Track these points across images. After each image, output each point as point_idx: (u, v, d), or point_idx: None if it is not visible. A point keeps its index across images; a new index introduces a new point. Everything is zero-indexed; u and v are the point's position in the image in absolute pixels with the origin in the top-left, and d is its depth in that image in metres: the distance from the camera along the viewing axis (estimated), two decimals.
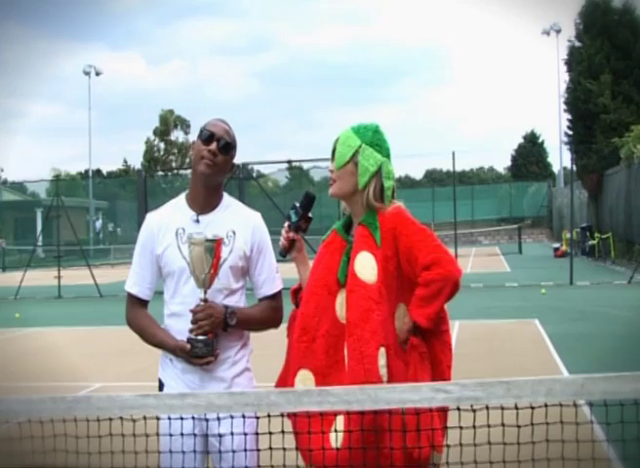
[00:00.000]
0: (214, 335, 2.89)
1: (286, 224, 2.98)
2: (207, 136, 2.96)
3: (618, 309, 13.59)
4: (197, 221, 2.99)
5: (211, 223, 2.98)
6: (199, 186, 3.02)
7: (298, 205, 3.01)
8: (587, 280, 18.89)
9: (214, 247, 2.81)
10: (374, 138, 2.89)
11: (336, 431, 2.60)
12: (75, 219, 27.94)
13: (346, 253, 2.86)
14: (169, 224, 3.01)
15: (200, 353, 2.86)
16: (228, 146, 2.99)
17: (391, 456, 2.55)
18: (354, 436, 2.54)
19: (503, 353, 9.72)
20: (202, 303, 2.87)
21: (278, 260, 3.17)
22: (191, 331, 2.87)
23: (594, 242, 27.07)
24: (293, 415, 2.46)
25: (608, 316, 12.80)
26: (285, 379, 2.91)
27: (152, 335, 3.01)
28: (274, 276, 3.09)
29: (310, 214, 3.03)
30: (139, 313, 3.08)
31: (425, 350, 2.79)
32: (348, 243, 2.89)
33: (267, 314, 3.07)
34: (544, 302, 15.02)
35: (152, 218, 3.08)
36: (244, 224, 3.02)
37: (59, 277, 21.30)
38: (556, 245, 31.17)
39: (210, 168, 2.94)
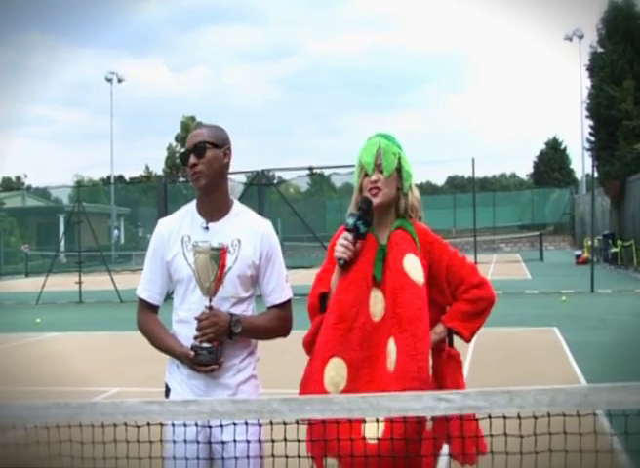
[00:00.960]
0: (219, 343, 2.89)
1: (349, 235, 2.88)
2: (183, 156, 3.00)
3: (638, 318, 13.45)
4: (206, 229, 3.00)
5: (219, 231, 2.99)
6: (202, 196, 3.05)
7: (361, 213, 2.91)
8: (609, 288, 18.73)
9: (219, 255, 2.82)
10: (401, 145, 3.05)
11: (365, 438, 2.59)
12: (97, 225, 28.17)
13: (380, 253, 2.92)
14: (179, 231, 3.04)
15: (204, 360, 2.86)
16: (201, 147, 2.97)
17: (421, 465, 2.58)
18: (386, 444, 2.55)
19: (521, 361, 9.65)
20: (207, 311, 2.88)
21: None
22: (196, 338, 2.88)
23: (616, 249, 26.85)
24: (321, 423, 2.43)
25: (628, 324, 12.67)
26: (309, 378, 2.88)
27: (160, 341, 3.03)
28: (283, 285, 3.08)
29: None
30: (148, 318, 3.11)
31: (461, 360, 2.96)
32: (379, 244, 2.94)
33: (275, 323, 3.05)
34: (564, 310, 14.91)
35: (163, 225, 3.11)
36: (253, 232, 3.02)
37: (79, 282, 21.46)
38: (578, 252, 30.94)
39: (200, 179, 2.97)
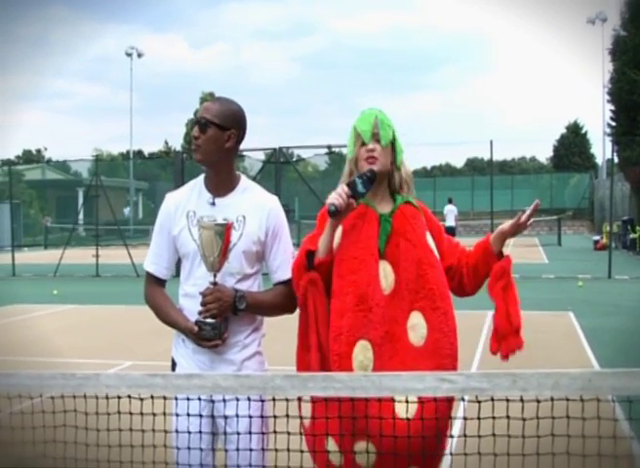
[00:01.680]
0: (222, 319, 2.89)
1: (346, 188, 2.78)
2: (191, 125, 2.99)
3: None
4: (213, 204, 3.00)
5: (226, 207, 2.98)
6: (207, 170, 3.05)
7: (367, 178, 2.83)
8: (626, 274, 18.61)
9: (223, 231, 2.82)
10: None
11: (394, 418, 2.59)
12: (115, 200, 28.30)
13: (384, 224, 2.89)
14: (186, 206, 3.04)
15: (207, 336, 2.87)
16: (204, 123, 2.95)
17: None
18: (416, 424, 2.57)
19: (535, 345, 9.60)
20: (211, 286, 2.88)
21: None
22: (200, 313, 2.88)
23: (635, 235, 26.64)
24: (349, 400, 2.44)
25: None
26: (305, 356, 2.83)
27: (166, 314, 3.04)
28: (289, 261, 3.05)
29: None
30: (155, 291, 3.12)
31: None
32: (380, 215, 2.90)
33: (280, 299, 3.04)
34: (580, 295, 14.84)
35: (171, 199, 3.11)
36: (259, 208, 3.01)
37: (97, 256, 21.59)
38: (596, 237, 30.73)
39: (196, 152, 2.97)
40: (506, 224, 3.00)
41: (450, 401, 2.64)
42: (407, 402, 2.56)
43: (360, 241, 2.84)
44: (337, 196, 2.76)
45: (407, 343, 2.78)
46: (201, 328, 2.87)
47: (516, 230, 2.98)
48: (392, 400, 2.60)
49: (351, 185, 2.79)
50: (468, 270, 3.01)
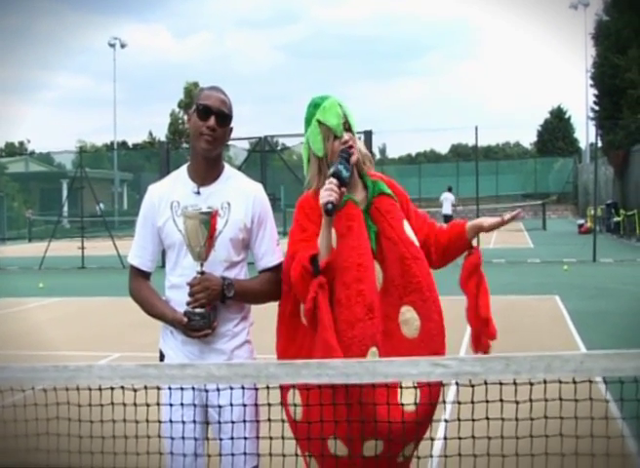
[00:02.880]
0: (211, 308, 2.88)
1: (334, 180, 2.73)
2: (203, 112, 2.92)
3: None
4: (198, 193, 2.98)
5: (211, 195, 2.97)
6: (199, 160, 3.01)
7: (340, 160, 2.81)
8: (611, 257, 18.74)
9: (208, 219, 2.80)
10: None
11: (402, 404, 2.63)
12: (100, 191, 28.14)
13: (371, 229, 2.87)
14: (170, 196, 3.01)
15: (197, 326, 2.85)
16: (226, 118, 2.96)
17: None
18: (422, 409, 2.63)
19: (522, 329, 9.67)
20: (199, 276, 2.86)
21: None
22: (188, 303, 2.87)
23: (619, 219, 26.81)
24: (358, 387, 2.43)
25: (630, 293, 12.69)
26: (300, 346, 2.82)
27: (152, 306, 3.02)
28: (274, 248, 3.07)
29: None
30: (140, 284, 3.09)
31: None
32: (364, 213, 2.88)
33: (267, 287, 3.03)
34: (566, 279, 14.92)
35: (154, 190, 3.08)
36: (244, 196, 3.00)
37: (82, 248, 21.49)
38: (580, 221, 30.89)
39: (210, 144, 2.93)
40: (487, 221, 3.00)
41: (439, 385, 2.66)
42: (414, 387, 2.63)
43: (360, 246, 2.81)
44: (330, 192, 2.69)
45: (401, 337, 2.80)
46: (190, 318, 2.85)
47: (494, 229, 3.01)
48: (399, 386, 2.63)
49: (336, 174, 2.75)
50: (437, 249, 3.03)
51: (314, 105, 2.95)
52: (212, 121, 2.91)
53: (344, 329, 2.71)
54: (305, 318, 2.78)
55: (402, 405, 2.61)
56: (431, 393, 2.60)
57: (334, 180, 2.73)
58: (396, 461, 2.75)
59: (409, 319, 2.81)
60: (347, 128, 2.90)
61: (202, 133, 2.92)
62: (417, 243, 2.90)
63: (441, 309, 2.89)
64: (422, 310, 2.82)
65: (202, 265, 2.86)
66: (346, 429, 2.61)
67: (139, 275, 3.10)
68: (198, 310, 2.85)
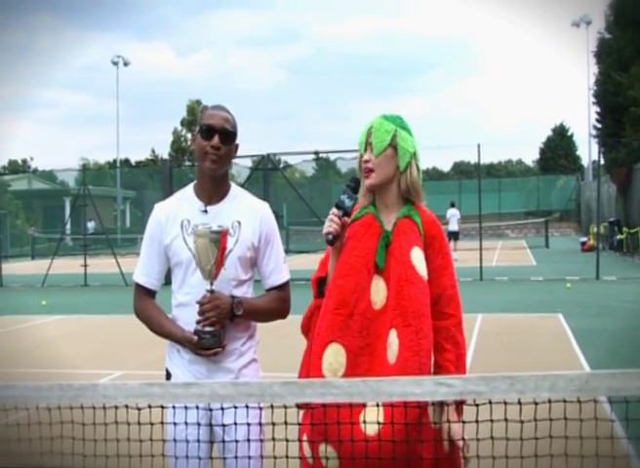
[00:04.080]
0: (221, 326, 2.88)
1: (335, 210, 2.80)
2: (207, 132, 2.94)
3: None
4: (205, 212, 2.99)
5: (219, 214, 2.98)
6: (206, 179, 3.02)
7: (350, 190, 2.86)
8: (614, 275, 18.71)
9: (219, 238, 2.81)
10: (403, 123, 2.92)
11: (365, 422, 2.57)
12: (103, 209, 28.18)
13: (384, 240, 2.83)
14: (177, 215, 3.01)
15: (207, 344, 2.85)
16: (230, 135, 2.97)
17: (421, 449, 2.55)
18: (386, 428, 2.53)
19: (525, 347, 9.66)
20: (208, 294, 2.87)
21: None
22: (198, 322, 2.87)
23: (622, 236, 26.78)
24: (321, 406, 2.41)
25: (633, 311, 12.67)
26: (308, 363, 2.82)
27: (159, 326, 3.02)
28: (282, 266, 3.08)
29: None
30: (146, 303, 3.09)
31: None
32: (384, 231, 2.85)
33: (275, 304, 3.05)
34: (569, 297, 14.90)
35: (160, 209, 3.09)
36: (252, 215, 3.02)
37: (85, 265, 21.51)
38: (583, 239, 30.87)
39: (215, 163, 2.95)
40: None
41: (421, 407, 2.56)
42: (377, 406, 2.55)
43: (357, 249, 2.82)
44: (329, 223, 2.76)
45: (384, 360, 2.73)
46: (200, 336, 2.86)
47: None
48: (363, 405, 2.58)
49: (340, 204, 2.81)
50: None
51: None
52: (215, 140, 2.93)
53: (318, 320, 2.79)
54: (302, 331, 2.87)
55: (364, 423, 2.56)
56: (394, 413, 2.48)
57: (335, 211, 2.79)
58: None
59: (391, 342, 2.73)
60: (371, 149, 2.86)
61: (207, 152, 2.94)
62: (420, 270, 2.78)
63: (427, 342, 2.71)
64: (402, 336, 2.70)
65: (212, 284, 2.87)
66: (310, 431, 2.63)
67: (144, 294, 3.10)
68: (208, 329, 2.86)
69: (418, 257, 2.79)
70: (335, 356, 2.73)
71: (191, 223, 2.94)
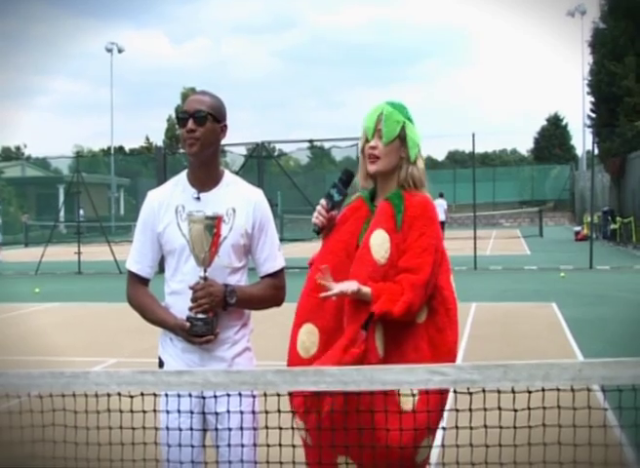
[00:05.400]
0: (214, 314, 2.87)
1: (324, 202, 2.89)
2: (181, 119, 2.93)
3: (636, 294, 13.47)
4: (198, 199, 2.96)
5: (212, 201, 2.96)
6: (194, 165, 3.00)
7: (339, 183, 2.93)
8: (607, 264, 18.75)
9: (214, 225, 2.79)
10: (409, 115, 2.96)
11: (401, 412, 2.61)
12: (96, 196, 28.12)
13: (367, 222, 2.88)
14: (170, 202, 2.99)
15: (200, 332, 2.84)
16: (203, 116, 2.91)
17: (387, 438, 2.56)
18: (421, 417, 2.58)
19: (519, 336, 9.68)
20: (202, 281, 2.85)
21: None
22: (191, 309, 2.85)
23: (616, 226, 26.84)
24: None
25: (626, 300, 12.70)
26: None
27: (152, 313, 3.00)
28: (276, 254, 3.06)
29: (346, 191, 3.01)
30: (139, 291, 3.06)
31: None
32: (372, 213, 2.90)
33: (269, 292, 3.03)
34: (563, 286, 14.93)
35: (153, 196, 3.07)
36: (245, 202, 2.99)
37: (78, 253, 21.45)
38: (577, 228, 30.93)
39: (194, 146, 2.91)
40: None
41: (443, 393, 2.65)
42: (412, 395, 2.60)
43: (339, 233, 2.90)
44: (316, 215, 2.88)
45: None
46: (193, 324, 2.84)
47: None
48: (398, 393, 2.60)
49: (328, 197, 2.87)
50: None
51: (372, 106, 2.98)
52: (189, 123, 2.90)
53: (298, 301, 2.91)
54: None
55: (400, 412, 2.59)
56: (429, 400, 2.56)
57: (324, 203, 2.89)
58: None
59: None
60: (380, 136, 2.87)
61: (185, 138, 2.93)
62: (374, 249, 2.76)
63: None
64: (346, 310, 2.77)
65: (205, 271, 2.85)
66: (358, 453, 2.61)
67: (137, 282, 3.08)
68: (201, 316, 2.84)
69: (377, 239, 2.78)
70: (307, 335, 2.82)
71: (186, 209, 2.92)
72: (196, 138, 2.90)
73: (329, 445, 2.62)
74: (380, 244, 2.78)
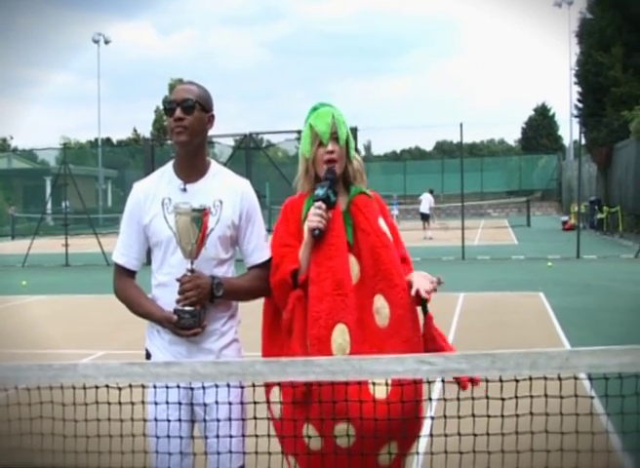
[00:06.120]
0: (201, 307, 2.86)
1: (321, 204, 2.86)
2: (167, 107, 2.92)
3: (623, 283, 13.56)
4: (184, 190, 2.95)
5: (198, 192, 2.94)
6: (182, 156, 2.98)
7: (329, 183, 2.91)
8: (594, 253, 18.84)
9: (201, 217, 2.77)
10: (341, 113, 3.05)
11: (375, 401, 2.61)
12: (84, 188, 27.97)
13: (347, 218, 2.94)
14: (156, 193, 2.98)
15: (187, 324, 2.82)
16: (191, 105, 2.90)
17: (361, 427, 2.59)
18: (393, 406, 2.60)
19: (507, 325, 9.72)
20: (189, 274, 2.84)
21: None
22: (178, 301, 2.84)
23: (603, 215, 26.97)
24: (330, 385, 2.43)
25: (613, 290, 12.77)
26: (281, 346, 2.88)
27: (139, 306, 2.98)
28: (263, 244, 3.05)
29: None
30: (126, 283, 3.05)
31: None
32: (343, 213, 2.95)
33: (256, 283, 3.01)
34: (550, 275, 15.00)
35: (139, 187, 3.05)
36: (232, 192, 2.98)
37: (66, 245, 21.38)
38: (564, 218, 31.06)
39: (182, 134, 2.90)
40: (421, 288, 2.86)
41: (418, 383, 2.68)
42: (387, 385, 2.61)
43: (334, 229, 2.90)
44: (319, 218, 2.84)
45: (374, 328, 2.84)
46: (180, 316, 2.82)
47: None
48: (370, 383, 2.63)
49: (326, 199, 2.87)
50: None
51: (313, 109, 3.04)
52: (177, 112, 2.89)
53: (313, 304, 2.82)
54: (283, 326, 2.90)
55: (374, 401, 2.60)
56: (403, 391, 2.55)
57: (323, 206, 2.86)
58: (375, 460, 2.73)
59: (379, 307, 2.86)
60: (335, 138, 2.94)
61: (172, 128, 2.91)
62: (389, 235, 2.97)
63: (410, 298, 2.85)
64: (391, 297, 2.85)
65: (192, 263, 2.84)
66: (319, 426, 2.64)
67: (124, 274, 3.06)
68: (188, 308, 2.82)
69: (383, 224, 2.98)
70: (342, 336, 2.80)
71: (172, 201, 2.91)
72: (184, 127, 2.89)
73: (302, 417, 2.68)
74: (386, 228, 2.98)
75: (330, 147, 2.93)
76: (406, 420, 2.60)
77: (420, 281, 2.84)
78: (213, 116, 3.01)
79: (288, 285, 2.89)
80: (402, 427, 2.61)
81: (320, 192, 2.88)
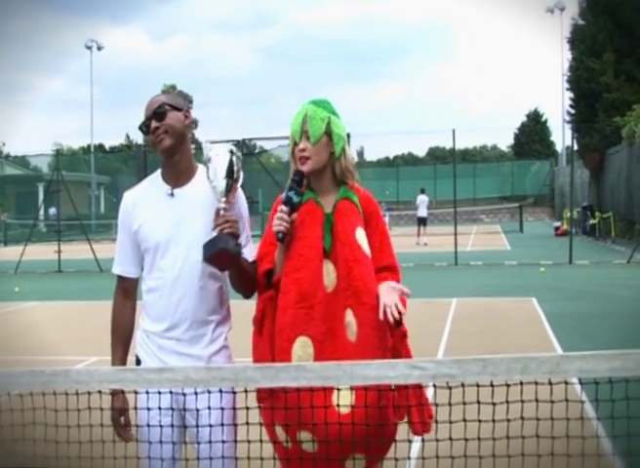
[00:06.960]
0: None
1: (285, 208, 2.84)
2: (144, 126, 2.96)
3: (616, 288, 13.61)
4: (172, 195, 2.96)
5: (186, 196, 2.96)
6: (167, 163, 3.00)
7: (294, 185, 2.90)
8: (587, 259, 18.89)
9: (239, 156, 2.87)
10: (333, 109, 3.01)
11: (339, 406, 2.61)
12: (77, 194, 27.94)
13: (327, 224, 2.91)
14: (144, 200, 3.00)
15: (230, 247, 2.74)
16: (162, 111, 2.93)
17: (326, 432, 2.58)
18: (358, 412, 2.60)
19: (499, 331, 9.74)
20: (222, 212, 2.81)
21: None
22: (217, 226, 2.78)
23: (595, 221, 27.04)
24: (295, 390, 2.44)
25: (606, 295, 12.81)
26: (265, 352, 2.87)
27: (114, 345, 3.11)
28: (251, 245, 3.06)
29: None
30: (124, 307, 3.10)
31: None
32: (325, 214, 2.92)
33: (253, 277, 2.97)
34: (543, 281, 15.03)
35: (128, 196, 3.07)
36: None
37: (59, 251, 21.34)
38: (557, 224, 31.13)
39: (164, 140, 2.92)
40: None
41: (384, 390, 2.64)
42: (350, 389, 2.63)
43: (307, 238, 2.88)
44: (279, 222, 2.82)
45: (345, 339, 2.81)
46: (220, 239, 2.75)
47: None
48: (335, 389, 2.62)
49: (287, 201, 2.85)
50: None
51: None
52: (152, 124, 2.92)
53: (279, 315, 2.84)
54: (253, 325, 2.92)
55: (338, 406, 2.61)
56: (367, 396, 2.57)
57: (284, 209, 2.84)
58: (342, 466, 2.73)
59: (349, 322, 2.83)
60: (307, 136, 2.91)
61: (153, 141, 2.95)
62: (365, 248, 2.90)
63: (378, 317, 2.76)
64: (359, 314, 2.82)
65: (226, 202, 2.83)
66: (284, 415, 2.64)
67: (124, 285, 3.09)
68: (227, 230, 2.76)
69: (361, 237, 2.92)
70: (303, 349, 2.79)
71: (158, 208, 2.94)
72: (163, 132, 2.91)
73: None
74: (364, 240, 2.91)
75: (301, 145, 2.92)
76: (371, 426, 2.60)
77: (387, 298, 2.76)
78: (188, 111, 3.03)
79: (261, 284, 2.92)
80: (366, 432, 2.61)
81: (283, 195, 2.88)
